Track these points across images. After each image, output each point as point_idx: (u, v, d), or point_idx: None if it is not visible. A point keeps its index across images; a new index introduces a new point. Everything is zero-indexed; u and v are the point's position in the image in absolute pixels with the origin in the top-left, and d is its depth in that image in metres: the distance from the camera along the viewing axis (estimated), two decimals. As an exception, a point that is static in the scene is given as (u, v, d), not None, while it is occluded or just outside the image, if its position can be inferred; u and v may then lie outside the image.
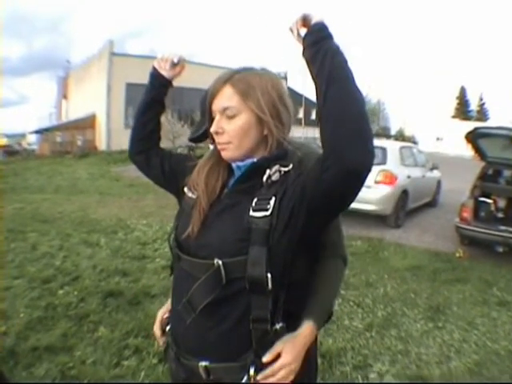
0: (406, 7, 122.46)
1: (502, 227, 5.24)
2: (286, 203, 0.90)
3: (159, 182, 1.22)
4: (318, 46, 0.85)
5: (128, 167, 13.00)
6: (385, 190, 6.68)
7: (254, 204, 0.92)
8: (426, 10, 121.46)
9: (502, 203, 5.99)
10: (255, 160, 0.99)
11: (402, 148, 7.80)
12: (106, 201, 8.61)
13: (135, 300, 3.40)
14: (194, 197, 1.03)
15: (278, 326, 0.92)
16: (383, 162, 6.89)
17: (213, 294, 0.92)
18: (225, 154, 1.00)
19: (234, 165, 1.01)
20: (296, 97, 29.46)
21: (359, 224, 6.84)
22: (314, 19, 0.88)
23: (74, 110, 26.54)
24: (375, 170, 6.69)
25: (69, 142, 22.34)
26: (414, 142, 26.05)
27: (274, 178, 0.94)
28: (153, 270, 4.19)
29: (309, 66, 0.87)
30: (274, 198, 0.91)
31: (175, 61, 1.14)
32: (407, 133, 39.51)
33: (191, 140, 1.22)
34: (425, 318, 3.53)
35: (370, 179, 5.95)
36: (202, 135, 1.13)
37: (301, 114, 27.70)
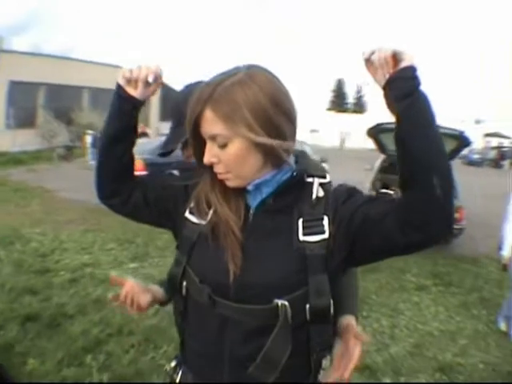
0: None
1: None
2: (339, 223, 0.80)
3: (153, 220, 0.99)
4: (412, 99, 0.71)
5: (11, 171, 11.78)
6: None
7: (302, 226, 0.81)
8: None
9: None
10: (292, 174, 0.84)
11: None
12: (-8, 208, 7.57)
13: (54, 322, 3.12)
14: (201, 222, 0.87)
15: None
16: None
17: (289, 343, 0.78)
18: (229, 184, 0.85)
19: (250, 187, 0.85)
20: (170, 92, 29.66)
21: None
22: (407, 59, 0.72)
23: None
24: None
25: None
26: None
27: (320, 193, 0.84)
28: (60, 284, 3.89)
29: (398, 113, 0.73)
30: (326, 218, 0.81)
31: (150, 80, 0.87)
32: None
33: (163, 154, 1.08)
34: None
35: None
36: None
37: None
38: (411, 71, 0.72)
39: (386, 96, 0.74)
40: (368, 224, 0.78)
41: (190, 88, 1.15)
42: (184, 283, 0.88)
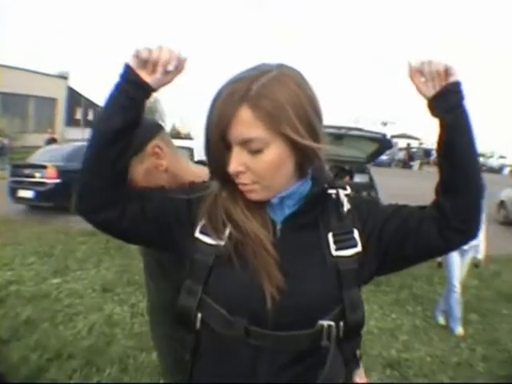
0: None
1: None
2: (369, 235, 0.80)
3: (152, 238, 0.84)
4: (461, 110, 0.76)
5: None
6: None
7: (333, 240, 0.78)
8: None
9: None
10: (315, 185, 0.80)
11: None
12: None
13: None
14: (218, 243, 0.76)
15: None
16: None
17: (343, 365, 0.76)
18: (252, 197, 0.76)
19: (274, 200, 0.77)
20: (76, 97, 29.12)
21: None
22: (455, 74, 0.76)
23: None
24: None
25: None
26: (191, 139, 27.80)
27: (346, 206, 0.81)
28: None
29: (447, 125, 0.76)
30: (356, 231, 0.79)
31: (171, 68, 0.73)
32: (184, 130, 41.38)
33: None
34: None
35: None
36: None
37: (79, 115, 27.83)
38: (459, 85, 0.76)
39: (433, 105, 0.77)
40: (402, 233, 0.79)
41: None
42: (199, 315, 0.76)
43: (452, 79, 0.75)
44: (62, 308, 3.55)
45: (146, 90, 0.75)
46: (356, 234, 0.79)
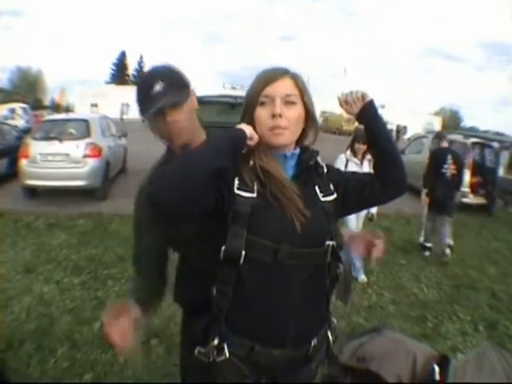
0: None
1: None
2: (337, 187, 1.14)
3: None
4: (379, 115, 1.14)
5: None
6: (93, 164, 6.82)
7: (319, 190, 1.11)
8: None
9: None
10: (313, 150, 1.15)
11: (100, 119, 8.05)
12: None
13: None
14: (251, 195, 1.03)
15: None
16: (88, 135, 7.00)
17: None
18: (280, 139, 1.06)
19: (288, 153, 1.10)
20: None
21: (71, 202, 6.80)
22: (369, 96, 1.12)
23: None
24: (82, 143, 6.80)
25: None
26: (69, 111, 26.90)
27: (325, 168, 1.17)
28: None
29: (370, 128, 1.14)
30: (331, 185, 1.14)
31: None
32: (63, 102, 39.55)
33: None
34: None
35: (78, 153, 6.69)
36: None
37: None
38: (373, 102, 1.14)
39: (360, 117, 1.14)
40: (358, 188, 1.15)
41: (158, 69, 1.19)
42: (243, 253, 1.00)
43: (368, 99, 1.12)
44: (-5, 294, 3.38)
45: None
46: (331, 186, 1.13)
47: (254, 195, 1.03)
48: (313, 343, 1.07)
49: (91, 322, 2.98)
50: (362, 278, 4.06)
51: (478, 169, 7.92)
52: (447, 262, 4.79)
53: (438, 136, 5.24)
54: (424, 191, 4.95)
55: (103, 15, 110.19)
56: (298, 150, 1.13)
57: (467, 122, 69.00)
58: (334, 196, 1.12)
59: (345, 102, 1.14)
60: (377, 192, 1.14)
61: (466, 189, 7.47)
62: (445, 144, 5.03)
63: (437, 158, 4.87)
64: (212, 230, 1.03)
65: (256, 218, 1.01)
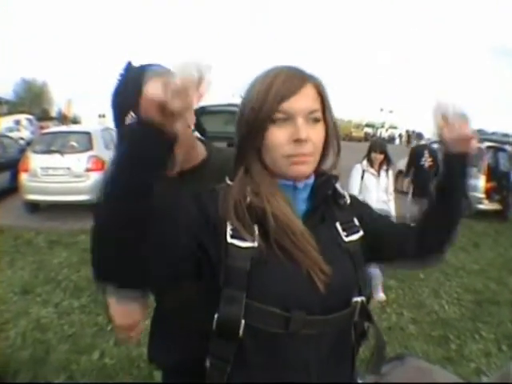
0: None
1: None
2: (362, 225, 0.88)
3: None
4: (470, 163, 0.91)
5: None
6: (96, 177, 6.44)
7: (341, 228, 0.84)
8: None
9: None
10: (330, 176, 0.85)
11: (103, 131, 7.73)
12: None
13: None
14: (251, 245, 0.73)
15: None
16: (90, 148, 6.83)
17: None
18: (301, 170, 0.77)
19: (300, 184, 0.80)
20: None
21: (74, 217, 6.43)
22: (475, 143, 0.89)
23: None
24: (84, 156, 6.65)
25: None
26: (76, 122, 25.60)
27: (347, 199, 0.89)
28: None
29: (455, 174, 0.92)
30: (355, 219, 0.87)
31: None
32: (70, 114, 39.41)
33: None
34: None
35: (80, 167, 6.48)
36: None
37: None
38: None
39: (454, 159, 0.90)
40: (392, 235, 0.93)
41: (137, 72, 0.93)
42: (242, 322, 0.72)
43: (473, 144, 0.88)
44: (-10, 317, 3.25)
45: (168, 135, 0.66)
46: (356, 221, 0.86)
47: (255, 244, 0.74)
48: None
49: (90, 350, 2.82)
50: (381, 296, 3.82)
51: (493, 173, 7.70)
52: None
53: (418, 136, 7.14)
54: (406, 179, 6.15)
55: (110, 25, 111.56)
56: (312, 179, 0.83)
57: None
58: (361, 233, 0.85)
59: (443, 118, 0.87)
60: (408, 250, 0.92)
61: (480, 195, 7.30)
62: (423, 142, 6.57)
63: (416, 153, 5.98)
64: (196, 298, 0.77)
65: (258, 276, 0.73)
